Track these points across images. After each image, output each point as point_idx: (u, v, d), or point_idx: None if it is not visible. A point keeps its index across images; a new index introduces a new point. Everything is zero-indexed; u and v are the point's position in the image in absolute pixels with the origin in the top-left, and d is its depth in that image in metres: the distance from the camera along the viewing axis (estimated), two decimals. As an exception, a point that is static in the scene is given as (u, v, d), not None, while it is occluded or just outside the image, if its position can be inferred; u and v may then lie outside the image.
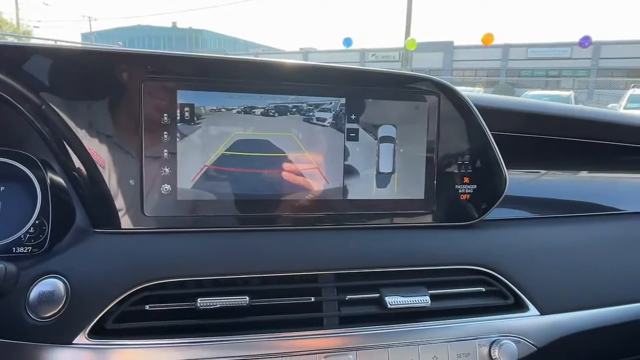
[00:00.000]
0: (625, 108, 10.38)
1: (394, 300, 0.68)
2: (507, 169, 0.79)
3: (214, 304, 0.62)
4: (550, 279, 0.77)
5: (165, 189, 0.66)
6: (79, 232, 0.66)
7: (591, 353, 0.81)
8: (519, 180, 0.94)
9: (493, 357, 0.69)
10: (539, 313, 0.74)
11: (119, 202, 0.66)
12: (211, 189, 0.68)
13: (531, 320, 0.73)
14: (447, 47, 29.61)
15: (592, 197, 0.99)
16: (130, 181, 0.65)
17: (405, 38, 17.16)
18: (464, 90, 0.81)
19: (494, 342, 0.70)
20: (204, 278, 0.65)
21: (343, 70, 0.72)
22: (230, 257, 0.67)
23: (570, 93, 13.83)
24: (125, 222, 0.66)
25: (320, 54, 33.63)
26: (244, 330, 0.64)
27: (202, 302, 0.62)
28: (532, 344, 0.72)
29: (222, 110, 0.67)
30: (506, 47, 28.24)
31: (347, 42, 21.92)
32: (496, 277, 0.74)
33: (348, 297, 0.68)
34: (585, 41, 15.35)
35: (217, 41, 52.47)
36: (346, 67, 0.73)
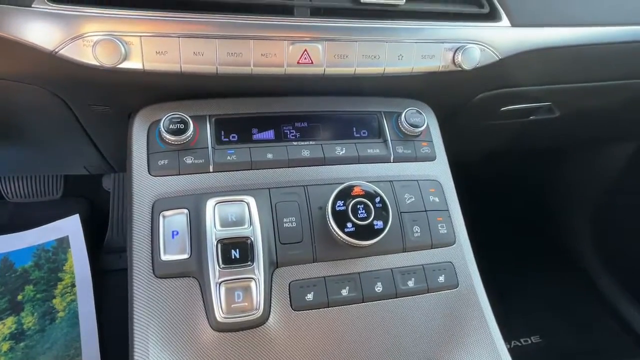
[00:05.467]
0: None
1: (368, -5, 0.66)
2: None
3: (178, -26, 0.59)
4: None
5: None
6: None
7: (550, 71, 0.85)
8: None
9: (456, 62, 0.72)
10: (510, 24, 0.74)
11: None
12: None
13: (501, 31, 0.74)
14: None
15: None
16: None
17: None
18: None
19: (459, 47, 0.72)
20: None
21: None
22: None
23: None
24: None
25: None
26: (212, 10, 0.62)
27: (165, -27, 0.59)
28: (496, 54, 0.74)
29: None
30: None
31: None
32: None
33: (321, -12, 0.66)
34: None
35: None
36: None
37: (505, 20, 0.74)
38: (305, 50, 0.66)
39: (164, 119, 0.66)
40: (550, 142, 1.30)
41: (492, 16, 0.74)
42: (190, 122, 0.66)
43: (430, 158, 0.77)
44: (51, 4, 0.58)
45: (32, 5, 0.57)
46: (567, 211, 1.67)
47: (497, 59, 0.75)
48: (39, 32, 0.58)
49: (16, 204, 1.52)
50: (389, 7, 0.68)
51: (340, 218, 0.65)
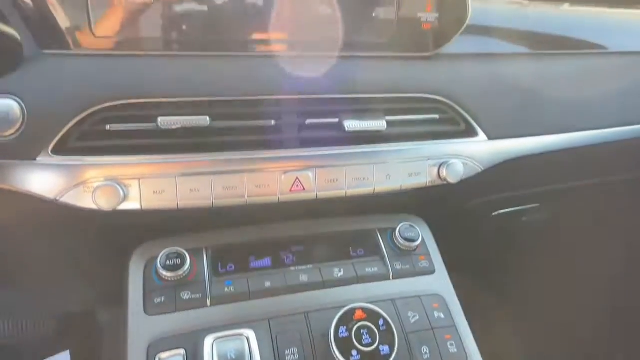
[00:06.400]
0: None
1: (351, 124, 0.71)
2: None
3: (175, 123, 0.63)
4: (503, 108, 0.81)
5: (114, 5, 0.62)
6: (28, 55, 0.63)
7: (530, 176, 0.89)
8: (493, 10, 0.92)
9: (441, 176, 0.75)
10: (486, 138, 0.79)
11: (65, 22, 0.62)
12: (168, 8, 0.64)
13: (479, 145, 0.79)
14: None
15: (572, 32, 0.96)
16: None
17: None
18: None
19: (443, 163, 0.75)
20: (164, 100, 0.65)
21: None
22: (191, 80, 0.66)
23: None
24: (75, 43, 0.63)
25: None
26: (207, 150, 0.66)
27: (162, 122, 0.63)
28: (478, 166, 0.78)
29: None
30: None
31: None
32: (450, 105, 0.77)
33: (308, 121, 0.70)
34: None
35: None
36: None
37: (482, 135, 0.79)
38: (297, 178, 0.69)
39: (160, 255, 0.66)
40: (551, 239, 1.30)
41: (469, 132, 0.79)
42: (187, 256, 0.67)
43: (429, 271, 0.77)
44: (55, 156, 0.61)
45: (37, 159, 0.61)
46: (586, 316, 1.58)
47: (480, 170, 0.79)
48: (42, 183, 0.61)
49: (2, 347, 1.44)
50: (372, 134, 0.73)
51: (344, 345, 0.62)
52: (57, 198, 0.61)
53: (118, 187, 0.61)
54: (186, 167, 0.65)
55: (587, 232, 1.27)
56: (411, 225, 0.78)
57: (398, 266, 0.75)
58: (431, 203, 0.83)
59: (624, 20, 1.04)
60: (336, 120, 0.72)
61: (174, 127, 0.64)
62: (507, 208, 0.97)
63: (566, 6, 1.00)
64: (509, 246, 1.19)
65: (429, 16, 0.76)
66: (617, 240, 1.35)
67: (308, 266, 0.73)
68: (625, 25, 1.03)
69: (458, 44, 0.80)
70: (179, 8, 0.65)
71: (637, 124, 0.90)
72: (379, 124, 0.72)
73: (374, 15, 0.74)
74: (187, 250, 0.67)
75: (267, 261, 0.72)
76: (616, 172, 1.03)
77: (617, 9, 1.03)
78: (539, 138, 0.83)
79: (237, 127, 0.68)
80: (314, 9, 0.70)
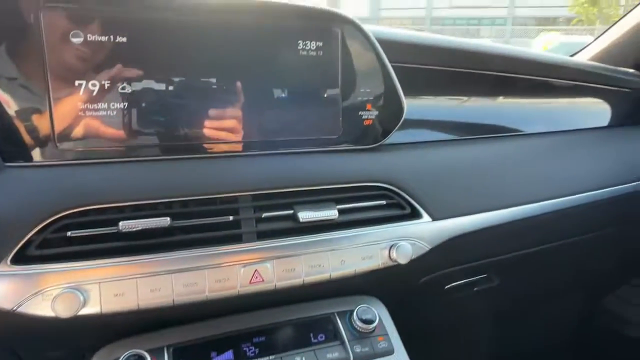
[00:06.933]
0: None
1: (305, 215, 0.76)
2: (415, 96, 0.88)
3: (136, 225, 0.66)
4: (442, 190, 0.90)
5: (77, 119, 0.67)
6: None
7: (475, 251, 0.96)
8: (426, 105, 1.05)
9: (392, 258, 0.81)
10: (431, 219, 0.86)
11: (30, 136, 0.66)
12: (127, 119, 0.70)
13: (424, 226, 0.85)
14: (373, -5, 29.49)
15: (490, 119, 1.12)
16: (39, 113, 0.65)
17: (332, -16, 16.80)
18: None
19: (392, 245, 0.81)
20: (125, 204, 0.68)
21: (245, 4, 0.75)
22: (150, 183, 0.70)
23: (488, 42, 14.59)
24: (37, 155, 0.67)
25: None
26: (168, 249, 0.69)
27: (124, 225, 0.66)
28: (425, 245, 0.84)
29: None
30: (431, -5, 28.69)
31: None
32: (395, 191, 0.85)
33: (264, 214, 0.75)
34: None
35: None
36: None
37: (426, 217, 0.86)
38: (256, 270, 0.72)
39: (120, 359, 0.66)
40: (507, 306, 1.35)
41: (414, 215, 0.86)
42: (148, 357, 0.66)
43: (389, 352, 0.79)
44: (14, 266, 0.62)
45: (-5, 271, 0.61)
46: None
47: (427, 249, 0.85)
48: (0, 294, 0.61)
49: None
50: (325, 222, 0.78)
51: None
52: (14, 309, 0.61)
53: (78, 293, 0.62)
54: (147, 267, 0.67)
55: (536, 297, 1.34)
56: (368, 307, 0.81)
57: (358, 349, 0.77)
58: (385, 282, 0.87)
59: (539, 107, 1.21)
60: (290, 212, 0.77)
61: (135, 229, 0.67)
62: (458, 281, 1.03)
63: (500, 99, 1.15)
64: (465, 316, 1.24)
65: (369, 114, 0.86)
66: (561, 302, 1.44)
67: (270, 357, 0.73)
68: (539, 112, 1.19)
69: (399, 135, 0.90)
70: (136, 118, 0.70)
71: (560, 196, 1.01)
72: (330, 213, 0.78)
73: (320, 115, 0.82)
74: (147, 351, 0.67)
75: (229, 355, 0.72)
76: (554, 239, 1.12)
77: (534, 99, 1.20)
78: (478, 215, 0.91)
79: (196, 225, 0.71)
80: (266, 111, 0.78)
